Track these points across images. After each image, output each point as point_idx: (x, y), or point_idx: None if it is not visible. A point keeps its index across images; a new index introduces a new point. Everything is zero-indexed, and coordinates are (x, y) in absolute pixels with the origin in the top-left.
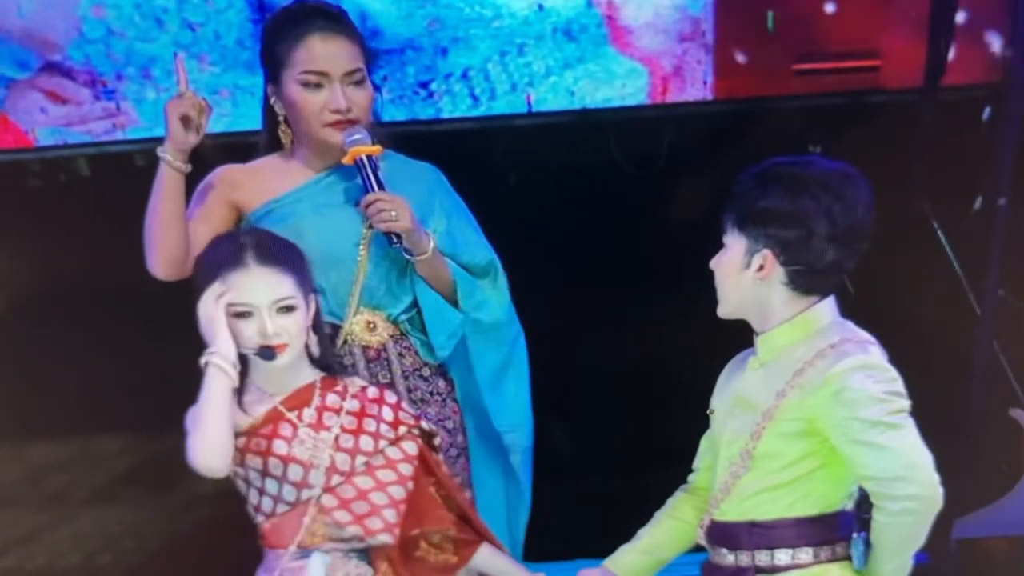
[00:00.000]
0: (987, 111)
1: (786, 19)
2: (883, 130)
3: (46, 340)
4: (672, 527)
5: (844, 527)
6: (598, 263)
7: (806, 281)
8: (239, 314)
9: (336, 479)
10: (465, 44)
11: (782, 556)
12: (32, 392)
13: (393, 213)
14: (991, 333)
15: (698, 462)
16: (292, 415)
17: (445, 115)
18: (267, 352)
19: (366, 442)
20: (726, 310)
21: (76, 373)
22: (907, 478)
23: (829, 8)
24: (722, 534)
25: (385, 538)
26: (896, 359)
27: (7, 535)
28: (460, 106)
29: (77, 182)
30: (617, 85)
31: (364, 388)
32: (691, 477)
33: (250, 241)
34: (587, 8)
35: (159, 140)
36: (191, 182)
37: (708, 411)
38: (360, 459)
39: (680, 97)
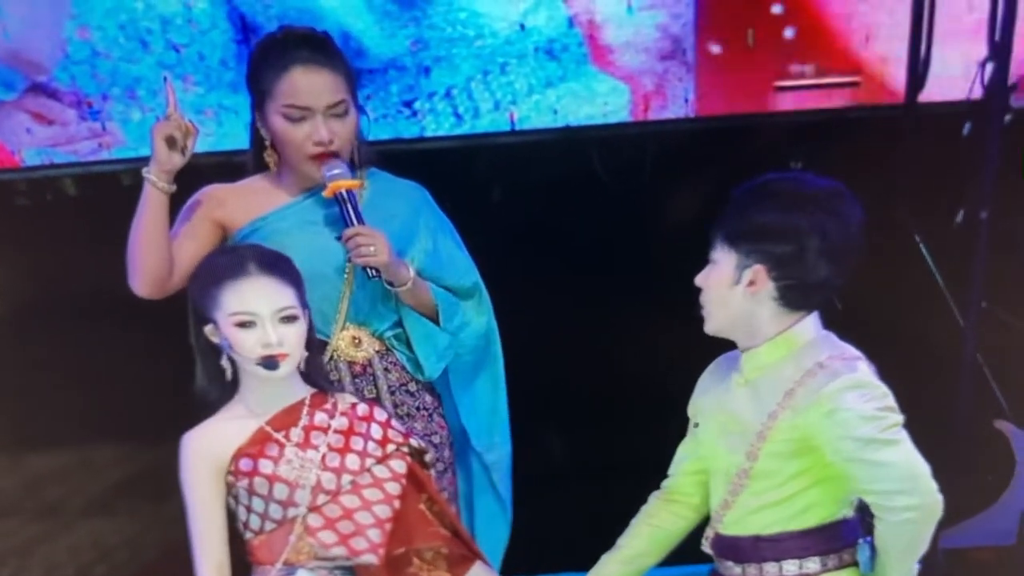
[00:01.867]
0: (967, 126)
1: (766, 37)
2: (864, 146)
3: (37, 356)
4: (651, 534)
5: (848, 534)
6: (582, 280)
7: (797, 297)
8: (241, 324)
9: (322, 498)
10: (448, 63)
11: (790, 567)
12: (24, 405)
13: (372, 248)
14: (975, 345)
15: (675, 468)
16: (279, 435)
17: (429, 133)
18: (270, 362)
19: (352, 461)
20: (714, 326)
21: (65, 387)
22: (907, 491)
23: (810, 25)
24: (728, 547)
25: (370, 558)
26: (881, 372)
27: (2, 546)
28: (443, 124)
29: (64, 202)
30: (599, 103)
31: (354, 405)
32: (667, 483)
33: (250, 252)
34: (568, 28)
35: (145, 160)
36: (175, 201)
37: (692, 424)
38: (346, 478)
39: (661, 115)
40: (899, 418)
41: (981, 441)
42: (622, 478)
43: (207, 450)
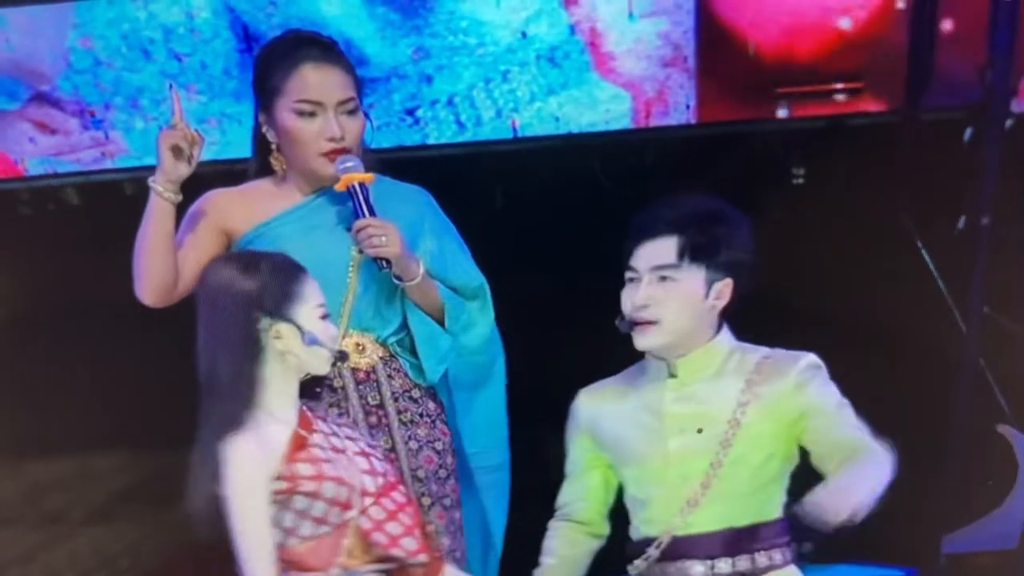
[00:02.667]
0: (969, 131)
1: (768, 43)
2: (866, 152)
3: (38, 364)
4: (569, 536)
5: (782, 534)
6: (584, 287)
7: (734, 306)
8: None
9: (368, 500)
10: (450, 71)
11: (761, 559)
12: (25, 413)
13: (383, 239)
14: (977, 350)
15: (578, 495)
16: (313, 437)
17: (431, 141)
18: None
19: (376, 462)
20: (662, 340)
21: (66, 395)
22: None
23: (811, 31)
24: (690, 547)
25: (422, 558)
26: (883, 377)
27: (4, 554)
28: (446, 132)
29: (67, 211)
30: (601, 110)
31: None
32: (570, 510)
33: None
34: (570, 35)
35: (148, 168)
36: (178, 208)
37: (584, 451)
38: (379, 479)
39: (663, 121)
40: None
41: (983, 446)
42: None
43: (261, 458)
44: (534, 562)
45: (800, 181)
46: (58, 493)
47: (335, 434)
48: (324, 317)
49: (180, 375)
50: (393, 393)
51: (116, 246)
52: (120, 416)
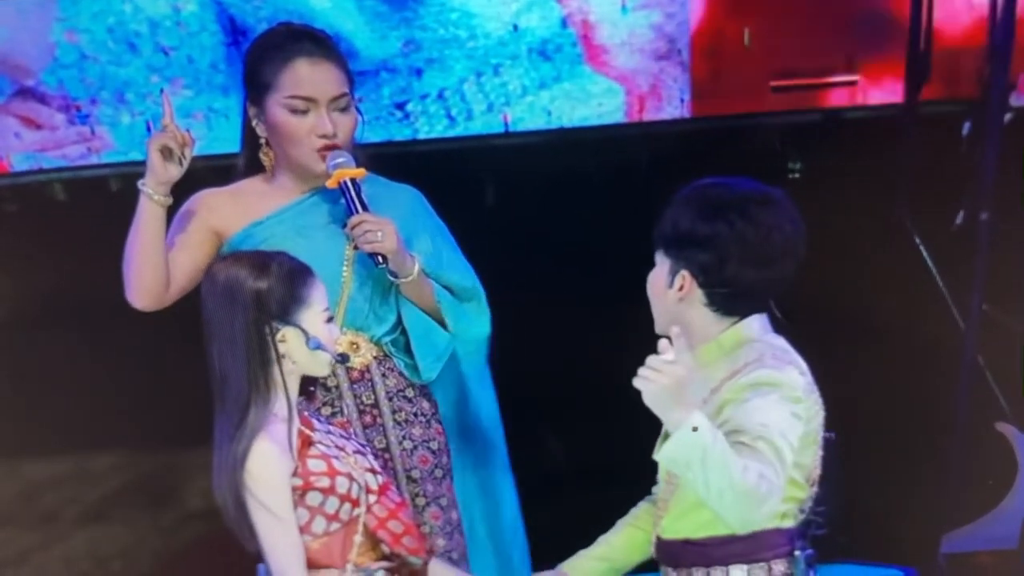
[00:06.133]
0: (967, 126)
1: (762, 36)
2: (863, 146)
3: (28, 363)
4: (630, 535)
5: (781, 544)
6: (577, 282)
7: (725, 303)
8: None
9: (371, 498)
10: (440, 65)
11: (717, 574)
12: (17, 413)
13: (379, 234)
14: (976, 347)
15: (660, 474)
16: (317, 435)
17: (422, 136)
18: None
19: (373, 460)
20: (658, 327)
21: (57, 395)
22: (758, 493)
23: (806, 24)
24: (666, 552)
25: (422, 557)
26: (881, 375)
27: None
28: (436, 127)
29: (52, 206)
30: (593, 104)
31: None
32: (655, 488)
33: None
34: (562, 28)
35: (134, 164)
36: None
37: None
38: (380, 476)
39: (657, 115)
40: (797, 428)
41: (982, 444)
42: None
43: (281, 456)
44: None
45: (796, 175)
46: (52, 494)
47: (330, 432)
48: (329, 320)
49: (174, 375)
50: (387, 392)
51: (103, 242)
52: (114, 417)
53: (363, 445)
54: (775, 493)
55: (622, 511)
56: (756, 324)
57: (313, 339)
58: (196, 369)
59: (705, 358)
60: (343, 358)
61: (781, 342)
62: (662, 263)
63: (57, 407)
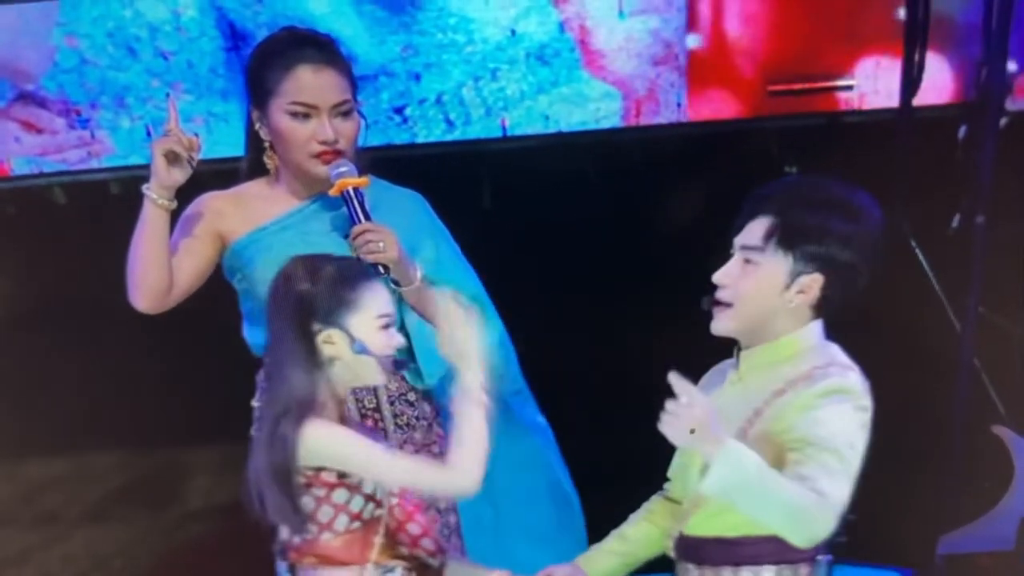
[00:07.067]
0: (963, 129)
1: (759, 41)
2: (859, 150)
3: (29, 364)
4: (645, 529)
5: (808, 548)
6: (575, 286)
7: (832, 308)
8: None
9: (393, 499)
10: (439, 69)
11: (746, 573)
12: (17, 414)
13: (381, 244)
14: (972, 350)
15: (672, 471)
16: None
17: (420, 140)
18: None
19: None
20: (732, 326)
21: (58, 395)
22: (823, 504)
23: (802, 29)
24: (690, 548)
25: (439, 559)
26: (877, 378)
27: None
28: (435, 131)
29: (53, 210)
30: (591, 109)
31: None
32: (667, 485)
33: None
34: (559, 33)
35: (134, 168)
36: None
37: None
38: None
39: (654, 120)
40: (864, 438)
41: (979, 447)
42: (618, 483)
43: (340, 427)
44: None
45: None
46: (53, 493)
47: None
48: (386, 327)
49: (174, 376)
50: (389, 397)
51: (102, 245)
52: (114, 417)
53: (393, 447)
54: (838, 507)
55: (620, 509)
56: (819, 329)
57: (357, 343)
58: (196, 370)
59: (766, 357)
60: (398, 364)
61: (836, 348)
62: (774, 261)
63: (58, 408)
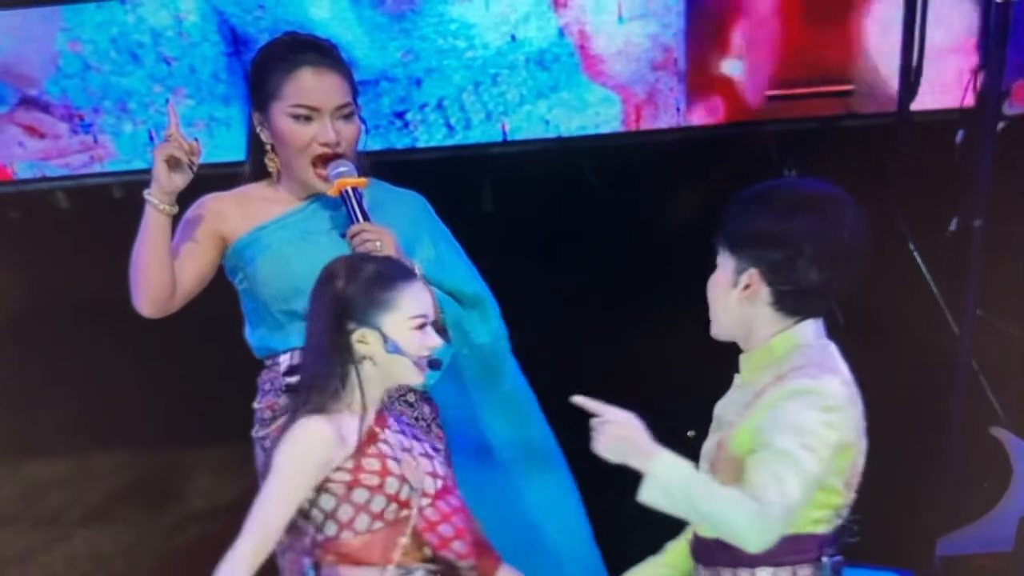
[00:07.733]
0: (961, 133)
1: (758, 45)
2: (858, 154)
3: (31, 366)
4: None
5: (808, 549)
6: (575, 290)
7: (791, 302)
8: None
9: (424, 500)
10: (439, 75)
11: (743, 574)
12: (19, 415)
13: (378, 243)
14: (970, 352)
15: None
16: (385, 433)
17: (420, 145)
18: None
19: (439, 465)
20: (716, 329)
21: (59, 397)
22: (764, 513)
23: (801, 34)
24: (701, 549)
25: (471, 562)
26: (877, 380)
27: (0, 555)
28: (435, 136)
29: (55, 214)
30: (591, 113)
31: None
32: None
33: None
34: (559, 38)
35: (136, 172)
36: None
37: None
38: (439, 481)
39: (653, 124)
40: (831, 438)
41: (977, 448)
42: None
43: (328, 443)
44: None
45: None
46: (54, 494)
47: (403, 433)
48: (421, 327)
49: (175, 377)
50: (388, 397)
51: (105, 249)
52: (115, 418)
53: (435, 449)
54: (786, 512)
55: (620, 509)
56: (810, 329)
57: (391, 342)
58: (197, 371)
59: (761, 359)
60: (433, 364)
61: (831, 348)
62: (725, 264)
63: (60, 409)
